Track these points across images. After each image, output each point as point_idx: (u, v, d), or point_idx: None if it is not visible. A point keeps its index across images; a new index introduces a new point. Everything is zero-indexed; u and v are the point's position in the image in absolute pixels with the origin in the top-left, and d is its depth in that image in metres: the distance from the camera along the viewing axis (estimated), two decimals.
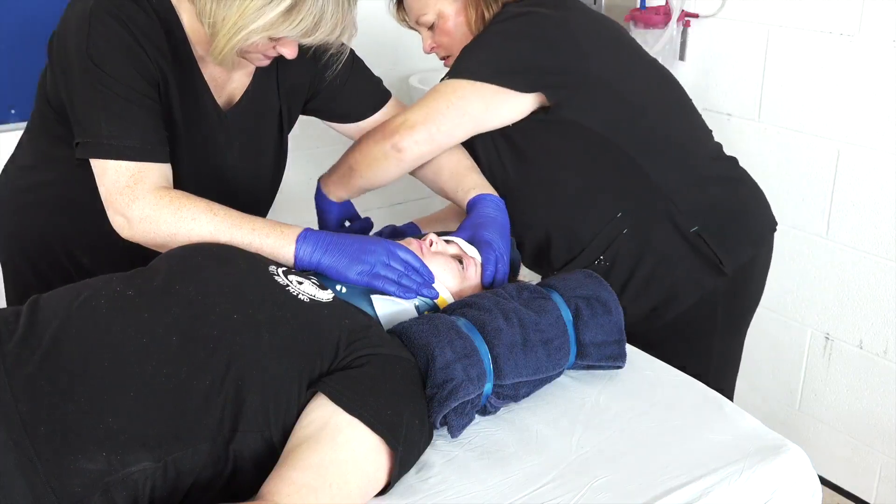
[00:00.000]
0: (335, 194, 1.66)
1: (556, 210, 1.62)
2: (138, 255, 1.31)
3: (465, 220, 1.49)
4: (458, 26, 1.62)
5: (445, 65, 1.68)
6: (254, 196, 1.57)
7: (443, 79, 1.56)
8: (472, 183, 1.55)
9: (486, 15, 1.59)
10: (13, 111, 2.30)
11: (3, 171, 1.58)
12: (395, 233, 1.63)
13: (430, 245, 1.36)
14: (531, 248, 1.68)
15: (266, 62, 1.41)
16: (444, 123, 1.53)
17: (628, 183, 1.58)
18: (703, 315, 1.65)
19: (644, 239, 1.59)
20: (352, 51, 1.59)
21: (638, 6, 2.47)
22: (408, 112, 1.55)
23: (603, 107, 1.55)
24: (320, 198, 1.68)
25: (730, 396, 1.74)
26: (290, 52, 1.35)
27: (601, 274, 1.57)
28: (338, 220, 1.69)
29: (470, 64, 1.53)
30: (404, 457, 1.07)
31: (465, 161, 1.60)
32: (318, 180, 1.68)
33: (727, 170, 1.70)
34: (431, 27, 1.65)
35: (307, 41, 1.32)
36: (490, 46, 1.54)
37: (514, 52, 1.53)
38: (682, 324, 1.64)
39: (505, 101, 1.53)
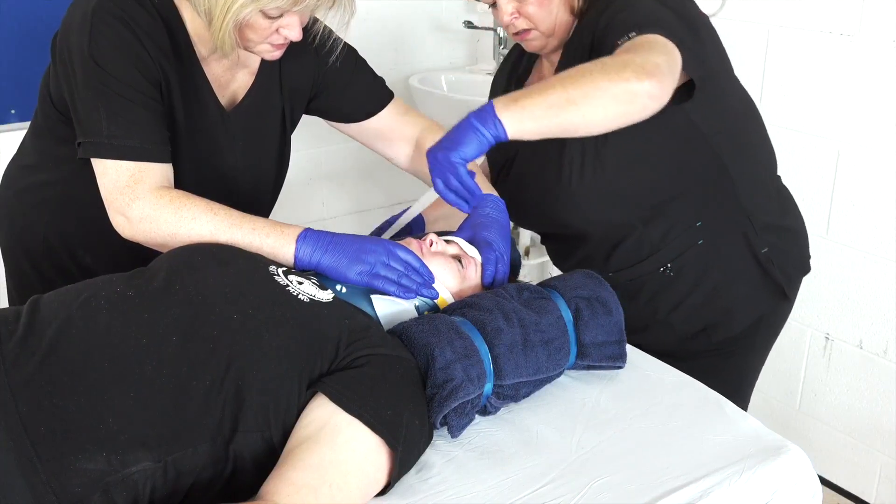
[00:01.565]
0: (517, 126, 1.25)
1: (637, 209, 1.53)
2: (141, 254, 1.31)
3: (466, 220, 1.49)
4: None
5: (520, 39, 1.54)
6: (256, 196, 1.56)
7: (629, 35, 1.33)
8: None
9: None
10: (13, 112, 2.30)
11: (6, 170, 1.58)
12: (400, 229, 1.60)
13: (430, 245, 1.36)
14: (593, 247, 1.59)
15: (275, 52, 1.39)
16: (672, 78, 1.30)
17: (714, 192, 1.51)
18: (746, 338, 1.61)
19: (716, 253, 1.53)
20: (355, 51, 1.59)
21: None
22: (648, 54, 1.28)
23: (713, 104, 1.47)
24: (484, 120, 1.25)
25: (745, 408, 1.70)
26: (294, 33, 1.34)
27: (662, 283, 1.55)
28: (475, 154, 1.29)
29: (663, 22, 1.35)
30: (404, 457, 1.07)
31: None
32: (493, 102, 1.27)
33: (788, 194, 1.66)
34: None
35: (299, 8, 1.29)
36: (661, 12, 1.38)
37: (677, 24, 1.37)
38: (723, 345, 1.59)
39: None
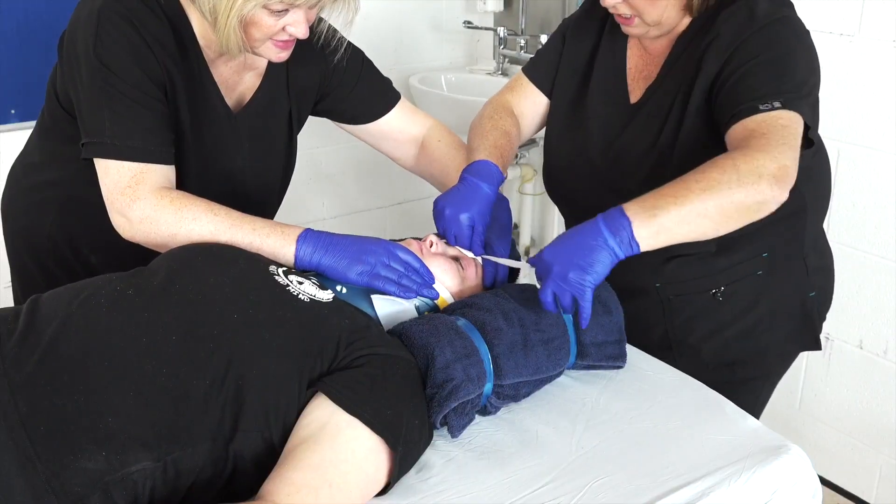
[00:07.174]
0: (652, 242, 1.20)
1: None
2: (146, 254, 1.31)
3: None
4: None
5: (622, 23, 1.46)
6: (262, 197, 1.56)
7: (773, 104, 1.29)
8: None
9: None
10: (13, 112, 2.30)
11: (12, 169, 1.59)
12: None
13: (430, 246, 1.37)
14: (650, 255, 1.36)
15: (282, 54, 1.38)
16: (796, 173, 1.27)
17: (787, 227, 1.46)
18: (768, 376, 1.60)
19: (769, 287, 1.48)
20: (362, 53, 1.59)
21: None
22: (782, 151, 1.24)
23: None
24: (619, 238, 1.19)
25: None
26: (300, 31, 1.33)
27: (707, 307, 1.48)
28: (606, 275, 1.22)
29: (798, 93, 1.31)
30: (404, 457, 1.07)
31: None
32: (629, 216, 1.19)
33: (823, 230, 1.61)
34: None
35: (302, 2, 1.28)
36: (798, 70, 1.36)
37: (812, 79, 1.37)
38: (744, 381, 1.55)
39: None
